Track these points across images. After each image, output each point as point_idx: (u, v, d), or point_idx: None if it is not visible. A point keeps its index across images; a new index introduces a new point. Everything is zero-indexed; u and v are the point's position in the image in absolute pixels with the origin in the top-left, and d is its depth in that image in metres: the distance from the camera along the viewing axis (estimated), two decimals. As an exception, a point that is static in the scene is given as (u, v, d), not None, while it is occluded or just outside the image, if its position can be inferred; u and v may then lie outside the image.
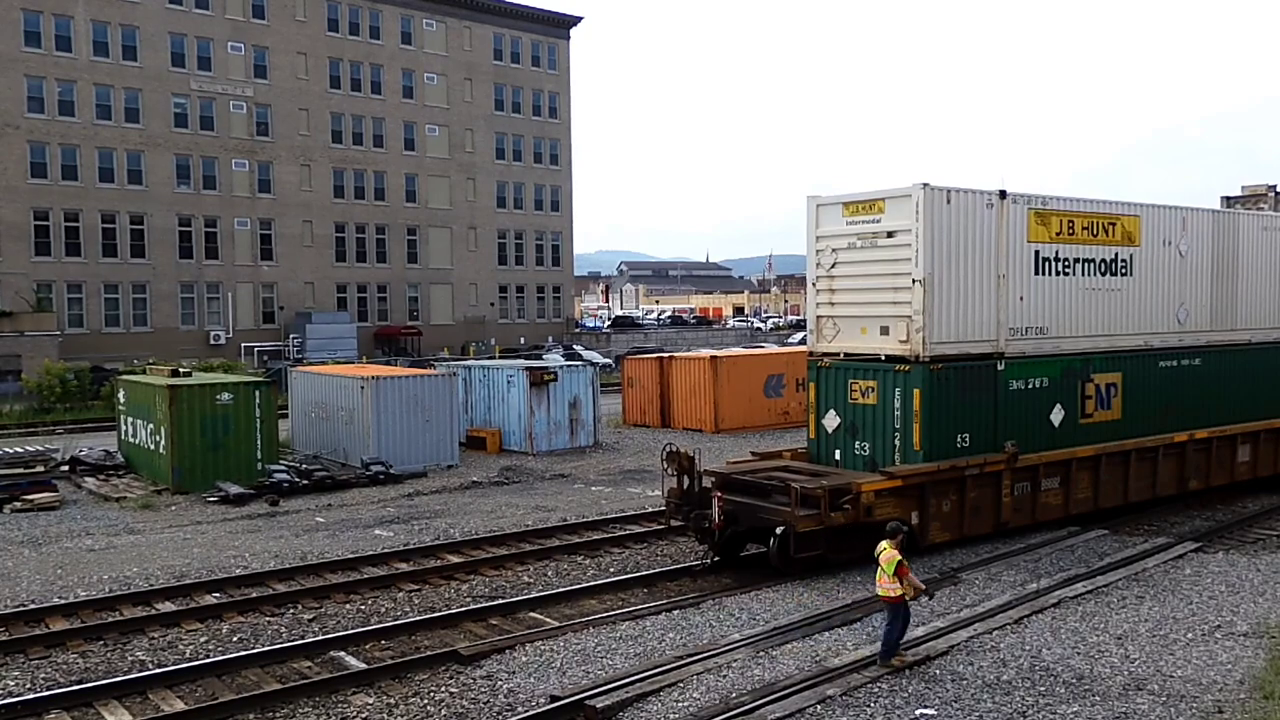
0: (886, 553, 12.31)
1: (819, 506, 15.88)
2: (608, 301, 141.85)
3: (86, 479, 27.72)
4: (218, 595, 16.44)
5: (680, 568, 17.53)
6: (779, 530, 15.93)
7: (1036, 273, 18.41)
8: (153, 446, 26.68)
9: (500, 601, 15.75)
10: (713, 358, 36.69)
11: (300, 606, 15.82)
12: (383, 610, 15.64)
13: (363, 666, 13.03)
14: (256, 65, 66.16)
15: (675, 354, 40.83)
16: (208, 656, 13.59)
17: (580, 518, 21.89)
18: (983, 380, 17.83)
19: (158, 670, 12.97)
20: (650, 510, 21.85)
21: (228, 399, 25.94)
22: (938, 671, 12.03)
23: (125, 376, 31.89)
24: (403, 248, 73.26)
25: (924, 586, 12.62)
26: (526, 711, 11.26)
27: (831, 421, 18.42)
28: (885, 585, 12.26)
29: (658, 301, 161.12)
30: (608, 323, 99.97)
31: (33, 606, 15.69)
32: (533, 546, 19.45)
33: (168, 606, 15.81)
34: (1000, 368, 18.04)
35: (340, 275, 70.51)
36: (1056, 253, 18.67)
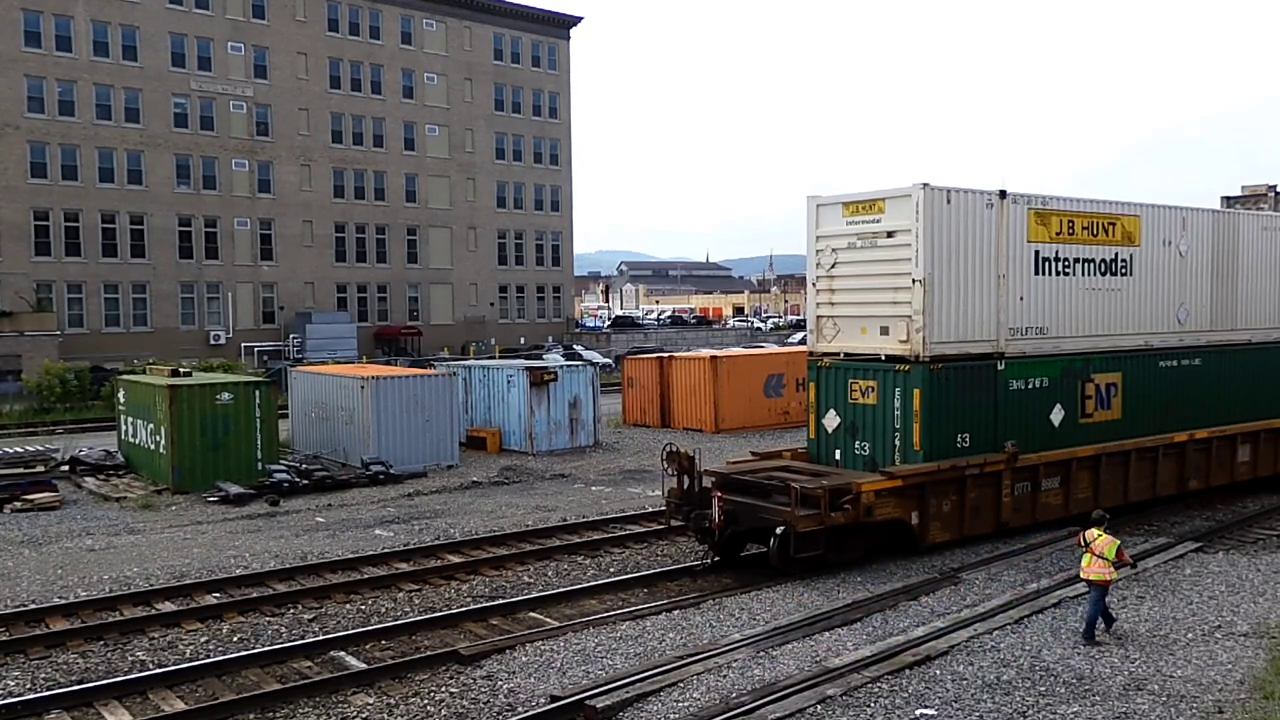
0: (1104, 539, 13.04)
1: (819, 506, 15.88)
2: (608, 301, 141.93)
3: (86, 479, 27.73)
4: (218, 595, 16.45)
5: (680, 568, 17.53)
6: (779, 530, 15.92)
7: (1036, 273, 18.42)
8: (153, 446, 26.69)
9: (500, 601, 15.75)
10: (713, 358, 36.68)
11: (300, 606, 15.82)
12: (383, 610, 15.65)
13: (363, 666, 13.04)
14: (256, 65, 66.17)
15: (675, 354, 40.80)
16: (208, 656, 13.59)
17: (580, 518, 21.89)
18: (983, 380, 17.83)
19: (158, 670, 12.97)
20: (650, 510, 21.86)
21: (228, 399, 25.95)
22: (938, 671, 12.03)
23: (125, 376, 31.89)
24: (403, 248, 73.27)
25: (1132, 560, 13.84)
26: (527, 711, 11.26)
27: (831, 421, 18.42)
28: (1098, 570, 12.98)
29: (658, 301, 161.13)
30: (608, 323, 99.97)
31: (33, 606, 15.69)
32: (533, 546, 19.45)
33: (168, 606, 15.82)
34: (1000, 368, 18.04)
35: (340, 275, 70.52)
36: (1056, 253, 18.67)
